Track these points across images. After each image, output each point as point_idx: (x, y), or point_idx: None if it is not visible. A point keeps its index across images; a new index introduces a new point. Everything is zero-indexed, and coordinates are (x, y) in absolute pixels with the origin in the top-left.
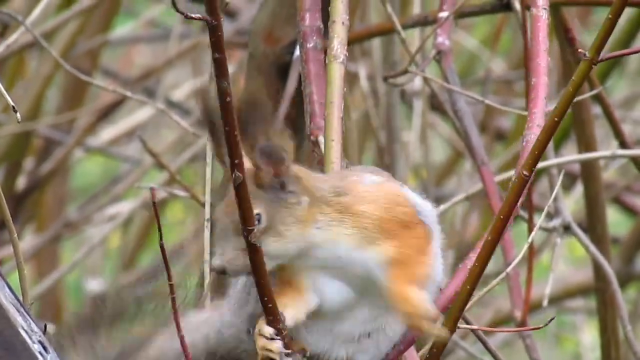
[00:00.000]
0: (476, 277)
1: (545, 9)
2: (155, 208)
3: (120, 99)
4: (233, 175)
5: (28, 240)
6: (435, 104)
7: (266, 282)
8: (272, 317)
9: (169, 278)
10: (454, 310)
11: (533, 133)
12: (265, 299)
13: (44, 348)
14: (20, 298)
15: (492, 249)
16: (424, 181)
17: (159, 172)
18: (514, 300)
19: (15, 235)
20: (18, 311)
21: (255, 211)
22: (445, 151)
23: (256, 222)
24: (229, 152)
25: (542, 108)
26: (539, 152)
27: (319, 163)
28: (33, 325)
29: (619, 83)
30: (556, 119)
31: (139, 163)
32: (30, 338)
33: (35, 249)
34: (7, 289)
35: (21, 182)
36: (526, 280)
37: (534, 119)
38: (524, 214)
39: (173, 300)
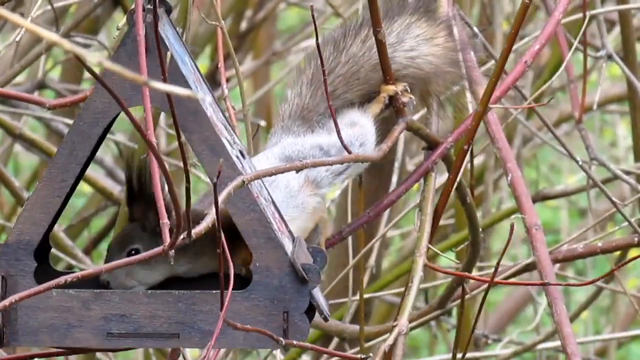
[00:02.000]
0: (505, 57)
1: None
2: (315, 25)
3: None
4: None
5: (248, 64)
6: None
7: (387, 61)
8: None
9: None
10: (487, 88)
11: None
12: (388, 78)
13: (242, 155)
14: (235, 112)
15: (513, 40)
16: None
17: (336, 18)
18: (574, 105)
19: (237, 62)
20: (225, 127)
21: (135, 246)
22: None
23: (133, 254)
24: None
25: None
26: None
27: None
28: (236, 139)
29: None
30: None
31: (323, 12)
32: (231, 146)
33: (253, 69)
34: (220, 113)
35: (243, 25)
36: (582, 90)
37: None
38: (581, 47)
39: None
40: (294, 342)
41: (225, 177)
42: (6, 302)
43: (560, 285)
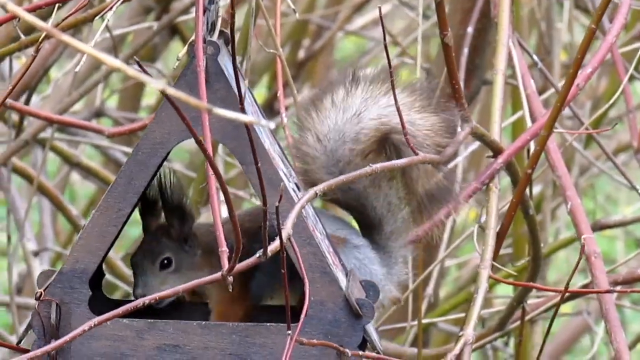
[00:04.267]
0: (570, 82)
1: None
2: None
3: None
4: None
5: (305, 93)
6: (578, 4)
7: (454, 67)
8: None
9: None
10: (553, 112)
11: None
12: (453, 82)
13: (297, 188)
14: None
15: (580, 63)
16: (570, 55)
17: (394, 47)
18: (632, 134)
19: (295, 91)
20: (282, 160)
21: (166, 255)
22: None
23: (166, 263)
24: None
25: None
26: None
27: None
28: (292, 171)
29: None
30: None
31: (380, 41)
32: (288, 179)
33: None
34: (277, 145)
35: (301, 54)
36: None
37: None
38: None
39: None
40: (360, 352)
41: (282, 209)
42: (64, 339)
43: (625, 292)
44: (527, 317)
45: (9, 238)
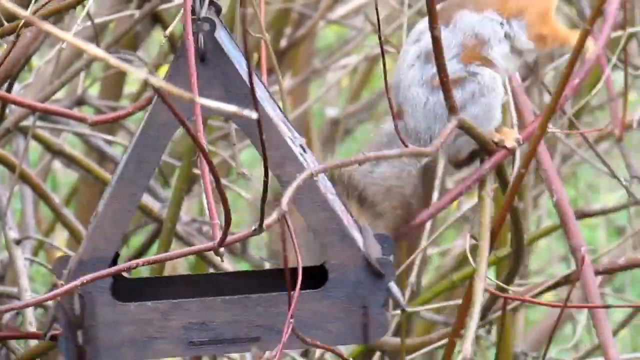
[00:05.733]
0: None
1: None
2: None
3: None
4: None
5: (287, 81)
6: None
7: (443, 61)
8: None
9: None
10: (547, 114)
11: None
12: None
13: (304, 150)
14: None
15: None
16: None
17: (375, 35)
18: (614, 122)
19: (280, 76)
20: (284, 124)
21: None
22: None
23: None
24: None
25: None
26: None
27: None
28: (295, 133)
29: None
30: None
31: (361, 30)
32: (293, 143)
33: (292, 87)
34: (278, 109)
35: (283, 43)
36: (623, 108)
37: None
38: (621, 65)
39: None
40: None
41: (292, 177)
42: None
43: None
44: (509, 307)
45: None
